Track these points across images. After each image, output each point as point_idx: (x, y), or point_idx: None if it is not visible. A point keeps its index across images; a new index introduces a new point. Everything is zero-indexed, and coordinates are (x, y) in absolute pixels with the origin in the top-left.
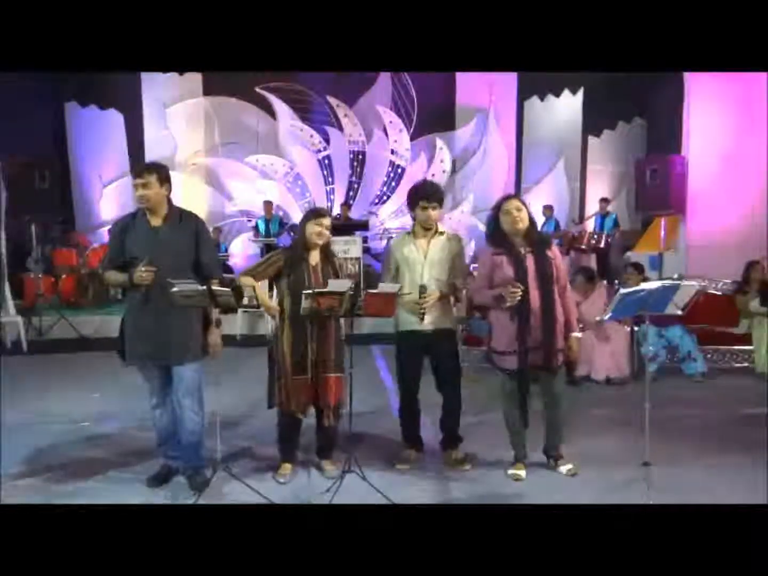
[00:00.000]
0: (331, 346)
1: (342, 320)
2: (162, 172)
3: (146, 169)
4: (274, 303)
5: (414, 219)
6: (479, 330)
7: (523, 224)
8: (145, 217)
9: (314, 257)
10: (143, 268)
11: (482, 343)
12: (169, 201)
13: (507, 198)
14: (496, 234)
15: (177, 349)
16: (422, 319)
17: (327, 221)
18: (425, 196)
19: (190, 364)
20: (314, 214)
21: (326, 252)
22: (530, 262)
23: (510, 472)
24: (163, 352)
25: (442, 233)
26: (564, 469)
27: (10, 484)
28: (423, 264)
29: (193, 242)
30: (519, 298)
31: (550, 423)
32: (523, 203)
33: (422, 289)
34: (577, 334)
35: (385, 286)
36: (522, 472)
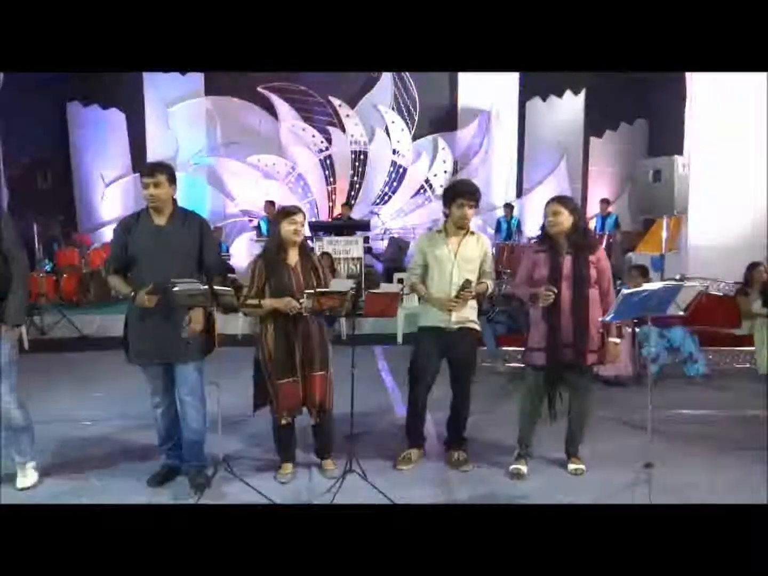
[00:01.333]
0: (315, 345)
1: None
2: (171, 172)
3: (158, 169)
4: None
5: (447, 216)
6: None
7: (558, 228)
8: (149, 216)
9: (292, 257)
10: (146, 296)
11: (483, 342)
12: (174, 201)
13: (550, 200)
14: (544, 233)
15: (182, 348)
16: (451, 313)
17: (300, 218)
18: (464, 193)
19: (194, 362)
20: (286, 213)
21: (303, 250)
22: (567, 264)
23: (512, 467)
24: (168, 351)
25: (472, 233)
26: (572, 467)
27: (10, 483)
28: (453, 263)
29: (197, 242)
30: (551, 300)
31: (572, 421)
32: (566, 206)
33: (466, 283)
34: (615, 339)
35: (387, 286)
36: (524, 467)
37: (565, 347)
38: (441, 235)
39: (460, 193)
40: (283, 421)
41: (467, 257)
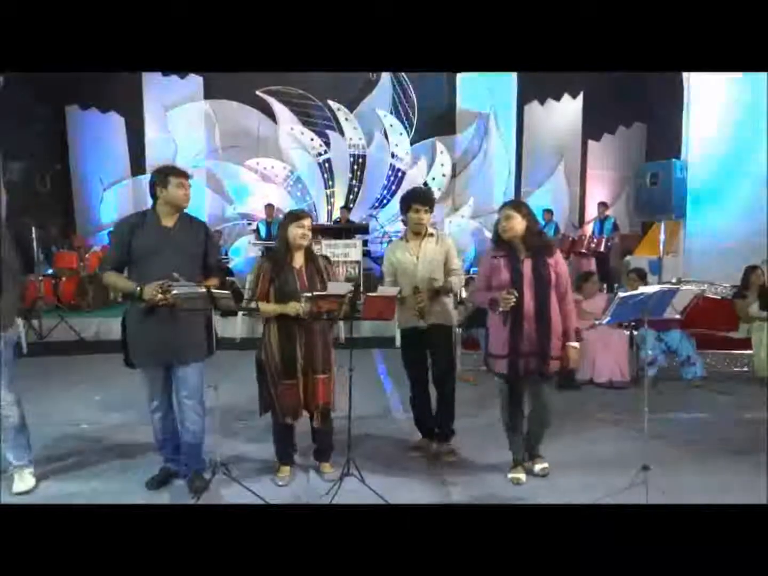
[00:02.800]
0: (318, 348)
1: (329, 322)
2: None
3: (187, 172)
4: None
5: (406, 224)
6: (476, 333)
7: (510, 233)
8: (157, 217)
9: (298, 260)
10: (159, 289)
11: (479, 346)
12: None
13: (503, 205)
14: (498, 237)
15: (186, 349)
16: (420, 317)
17: (308, 222)
18: (417, 199)
19: (195, 363)
20: (295, 216)
21: (308, 253)
22: (527, 268)
23: (510, 475)
24: (172, 352)
25: (431, 235)
26: (538, 467)
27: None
28: (416, 265)
29: (202, 244)
30: (512, 304)
31: (532, 426)
32: (519, 210)
33: (415, 290)
34: (574, 344)
35: (385, 289)
36: (522, 476)
37: (528, 355)
38: (403, 241)
39: (414, 199)
40: (289, 421)
41: (430, 258)
